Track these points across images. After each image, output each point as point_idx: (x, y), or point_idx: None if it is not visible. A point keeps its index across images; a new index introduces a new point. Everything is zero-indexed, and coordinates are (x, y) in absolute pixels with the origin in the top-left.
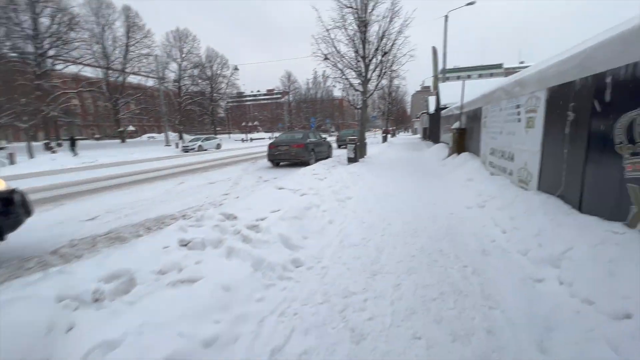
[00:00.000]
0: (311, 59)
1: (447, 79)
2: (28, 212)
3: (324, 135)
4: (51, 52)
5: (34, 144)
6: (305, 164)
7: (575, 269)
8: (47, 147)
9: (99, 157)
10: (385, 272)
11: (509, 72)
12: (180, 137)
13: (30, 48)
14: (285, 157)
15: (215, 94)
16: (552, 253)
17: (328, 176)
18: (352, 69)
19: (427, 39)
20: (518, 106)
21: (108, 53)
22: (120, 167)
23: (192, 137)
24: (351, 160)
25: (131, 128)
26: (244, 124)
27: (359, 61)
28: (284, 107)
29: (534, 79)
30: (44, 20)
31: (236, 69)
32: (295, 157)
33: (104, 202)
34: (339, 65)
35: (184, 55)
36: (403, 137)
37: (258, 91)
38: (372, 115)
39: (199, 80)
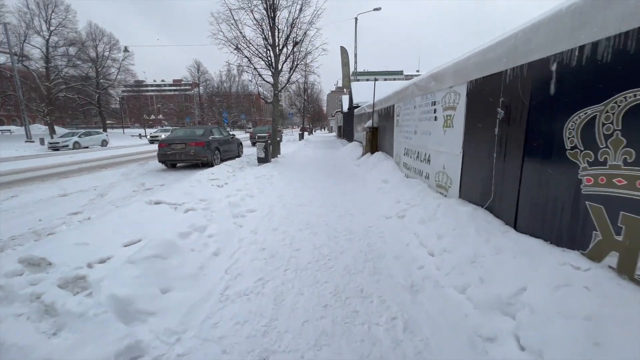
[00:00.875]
0: (221, 48)
1: (358, 80)
2: None
3: (232, 132)
4: None
5: None
6: (207, 165)
7: (538, 327)
8: None
9: None
10: (283, 351)
11: (408, 78)
12: (52, 131)
13: None
14: (181, 157)
15: (102, 80)
16: (500, 294)
17: (230, 182)
18: (260, 57)
19: (341, 40)
20: (434, 103)
21: None
22: None
23: (68, 131)
24: (262, 160)
25: None
26: (145, 116)
27: (268, 50)
28: (193, 100)
29: (451, 71)
30: None
31: (126, 50)
32: (194, 158)
33: None
34: (246, 52)
35: (52, 28)
36: (320, 134)
37: (163, 81)
38: (290, 112)
39: (78, 62)
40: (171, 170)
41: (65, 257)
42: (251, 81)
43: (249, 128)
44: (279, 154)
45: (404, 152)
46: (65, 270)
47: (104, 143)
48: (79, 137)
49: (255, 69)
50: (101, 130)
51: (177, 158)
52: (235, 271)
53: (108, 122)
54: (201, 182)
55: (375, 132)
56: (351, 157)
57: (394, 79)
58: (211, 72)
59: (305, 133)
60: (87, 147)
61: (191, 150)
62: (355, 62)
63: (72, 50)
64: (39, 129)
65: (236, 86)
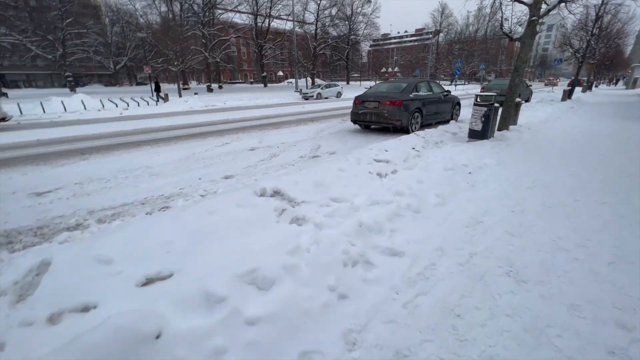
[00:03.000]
0: None
1: None
2: None
3: (450, 87)
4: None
5: (199, 85)
6: (402, 131)
7: None
8: (208, 89)
9: (230, 100)
10: None
11: None
12: (313, 83)
13: None
14: (372, 118)
15: (352, 36)
16: None
17: (402, 169)
18: None
19: None
20: None
21: None
22: (223, 113)
23: (321, 83)
24: (475, 135)
25: (280, 73)
26: (383, 70)
27: None
28: (429, 50)
29: None
30: None
31: (369, 1)
32: (386, 120)
33: (100, 165)
34: None
35: None
36: (605, 91)
37: (406, 32)
38: (555, 58)
39: (337, 21)
40: (362, 133)
41: (63, 280)
42: (507, 20)
43: (488, 80)
44: (514, 123)
45: None
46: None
47: (339, 95)
48: (321, 89)
49: None
50: (338, 83)
51: (367, 119)
52: None
53: (354, 75)
54: (360, 163)
55: None
56: None
57: None
58: (456, 15)
59: (578, 89)
60: (326, 98)
61: (384, 111)
62: None
63: (333, 11)
64: (304, 80)
65: (485, 28)
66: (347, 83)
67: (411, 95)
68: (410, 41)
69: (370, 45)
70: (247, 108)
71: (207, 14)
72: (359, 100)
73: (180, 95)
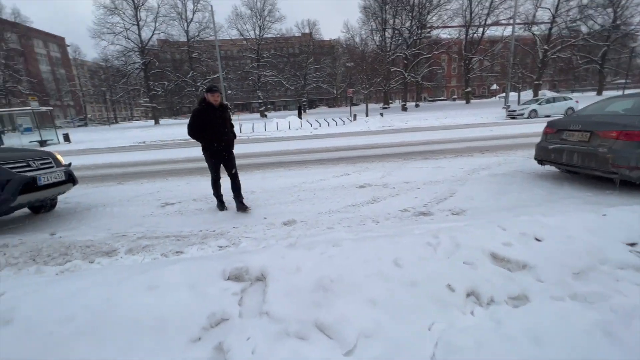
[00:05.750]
0: None
1: None
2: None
3: None
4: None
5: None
6: None
7: None
8: (403, 108)
9: (413, 120)
10: None
11: None
12: (535, 96)
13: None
14: (572, 159)
15: (622, 27)
16: None
17: (549, 300)
18: None
19: None
20: None
21: (472, 8)
22: (391, 135)
23: (545, 95)
24: None
25: (494, 87)
26: None
27: None
28: None
29: None
30: None
31: None
32: (604, 166)
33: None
34: None
35: None
36: None
37: None
38: None
39: (590, 11)
40: (555, 181)
41: None
42: None
43: None
44: None
45: None
46: None
47: (569, 112)
48: (539, 104)
49: None
50: (570, 96)
51: (564, 160)
52: None
53: (619, 81)
54: (450, 257)
55: None
56: None
57: None
58: None
59: None
60: (548, 116)
61: (600, 148)
62: None
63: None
64: (527, 95)
65: None
66: (599, 93)
67: None
68: None
69: None
70: (423, 129)
71: (414, 36)
72: (552, 129)
73: (366, 115)
